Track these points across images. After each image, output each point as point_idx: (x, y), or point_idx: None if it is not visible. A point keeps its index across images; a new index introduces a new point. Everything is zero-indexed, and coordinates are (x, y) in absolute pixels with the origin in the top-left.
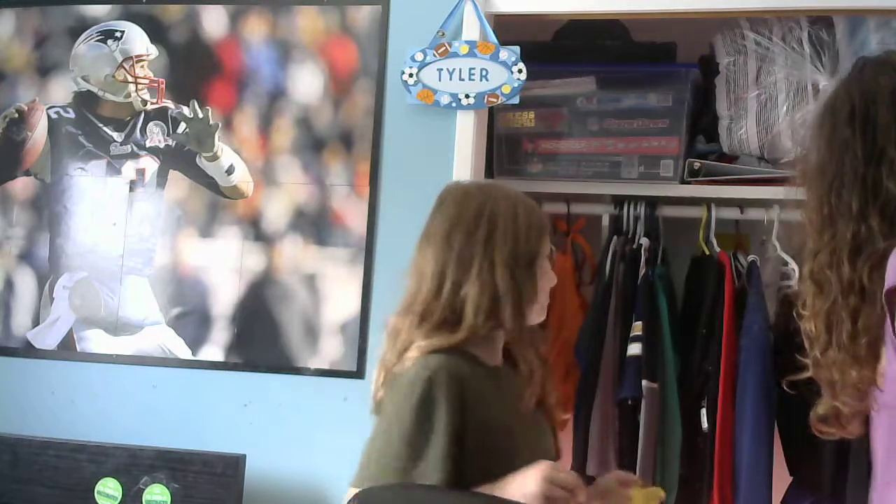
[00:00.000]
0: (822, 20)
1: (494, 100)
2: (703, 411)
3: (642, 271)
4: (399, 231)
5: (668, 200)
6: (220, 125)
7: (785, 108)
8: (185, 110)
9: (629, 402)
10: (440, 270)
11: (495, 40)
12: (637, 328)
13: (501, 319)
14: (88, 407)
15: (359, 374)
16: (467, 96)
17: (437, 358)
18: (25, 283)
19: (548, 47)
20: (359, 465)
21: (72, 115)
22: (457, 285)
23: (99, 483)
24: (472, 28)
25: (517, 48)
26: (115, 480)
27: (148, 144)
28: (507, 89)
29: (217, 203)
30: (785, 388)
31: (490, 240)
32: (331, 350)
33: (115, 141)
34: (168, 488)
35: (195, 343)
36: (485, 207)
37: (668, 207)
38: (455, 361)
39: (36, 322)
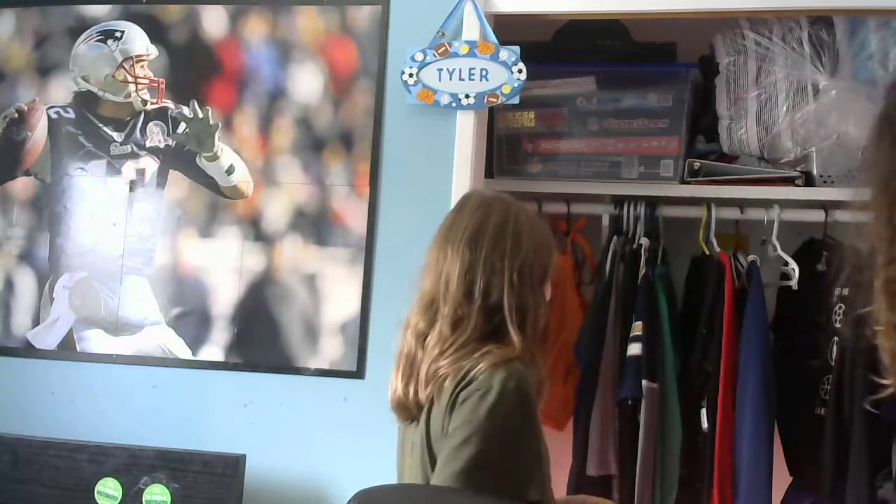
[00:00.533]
0: (822, 20)
1: (494, 100)
2: (703, 411)
3: (642, 271)
4: (399, 231)
5: (668, 200)
6: (220, 125)
7: (785, 108)
8: (185, 110)
9: (629, 402)
10: (467, 272)
11: (495, 40)
12: (637, 328)
13: (525, 331)
14: (88, 407)
15: (359, 374)
16: (467, 96)
17: (516, 367)
18: (25, 283)
19: (548, 47)
20: (454, 472)
21: (72, 115)
22: (486, 291)
23: (99, 483)
24: (472, 28)
25: (517, 48)
26: (115, 480)
27: (148, 144)
28: (507, 89)
29: (217, 203)
30: (869, 408)
31: (516, 252)
32: (331, 350)
33: (115, 141)
34: (168, 488)
35: (195, 343)
36: (508, 220)
37: (668, 207)
38: (526, 370)
39: (36, 322)
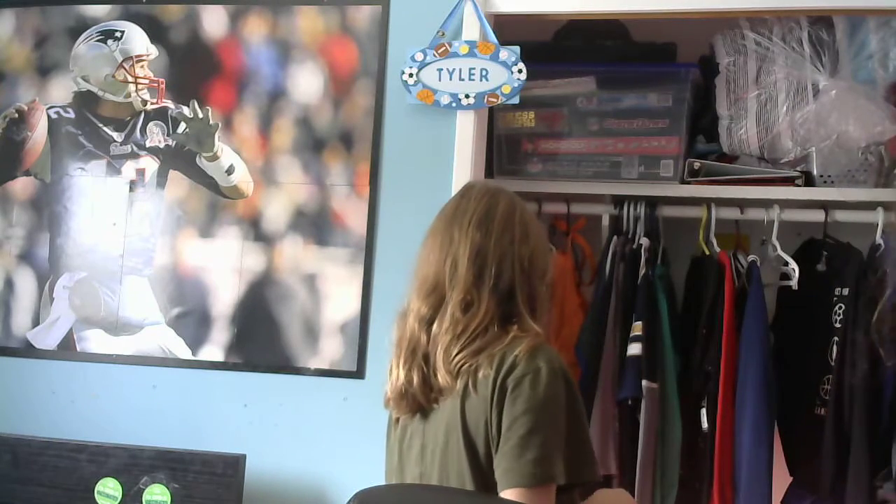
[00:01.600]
0: (822, 20)
1: (494, 100)
2: (703, 411)
3: (642, 271)
4: (399, 231)
5: (668, 200)
6: (220, 125)
7: (785, 108)
8: (185, 110)
9: (629, 402)
10: (477, 254)
11: (495, 40)
12: (637, 328)
13: (537, 320)
14: (88, 407)
15: (359, 374)
16: (467, 96)
17: (551, 349)
18: (25, 283)
19: (548, 47)
20: (533, 461)
21: (72, 115)
22: (498, 274)
23: (99, 483)
24: (472, 28)
25: (517, 48)
26: (115, 480)
27: (148, 144)
28: (507, 89)
29: (217, 203)
30: None
31: (524, 240)
32: (331, 350)
33: (115, 141)
34: (168, 488)
35: (195, 343)
36: (515, 208)
37: (668, 207)
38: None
39: (36, 322)
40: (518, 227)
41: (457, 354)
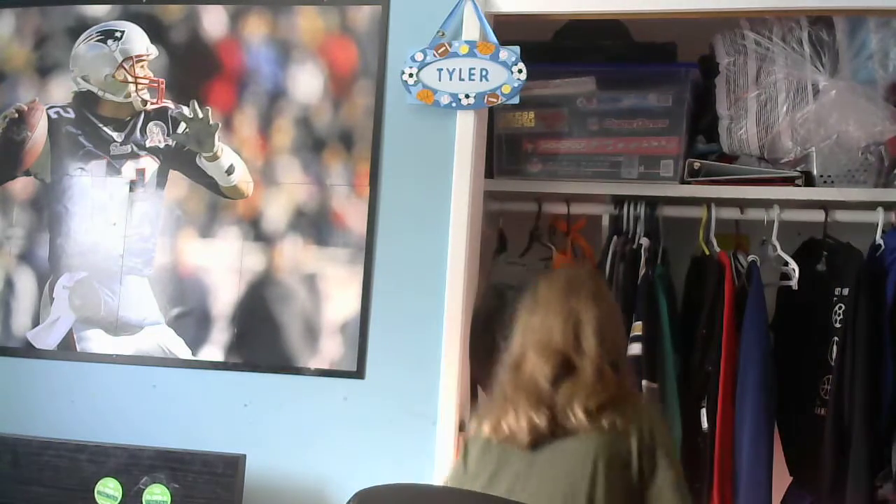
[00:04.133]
0: (822, 20)
1: (494, 100)
2: (703, 411)
3: (642, 271)
4: (399, 231)
5: (668, 200)
6: (220, 125)
7: (785, 108)
8: (185, 110)
9: None
10: (600, 327)
11: (495, 40)
12: (637, 328)
13: None
14: (88, 407)
15: (359, 374)
16: (467, 96)
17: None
18: (25, 283)
19: (548, 47)
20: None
21: (72, 115)
22: (612, 349)
23: (99, 483)
24: (472, 28)
25: (517, 48)
26: (115, 480)
27: (148, 144)
28: (507, 89)
29: (217, 203)
30: None
31: (620, 325)
32: (331, 350)
33: (115, 141)
34: (168, 488)
35: (195, 343)
36: (610, 293)
37: (668, 207)
38: None
39: (36, 322)
40: (615, 308)
41: (589, 402)
